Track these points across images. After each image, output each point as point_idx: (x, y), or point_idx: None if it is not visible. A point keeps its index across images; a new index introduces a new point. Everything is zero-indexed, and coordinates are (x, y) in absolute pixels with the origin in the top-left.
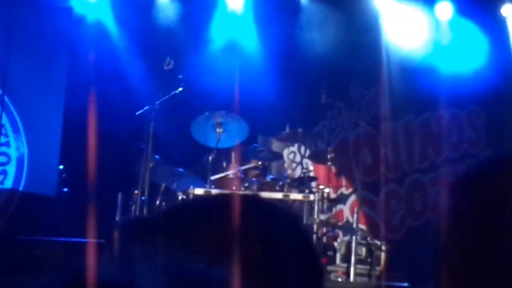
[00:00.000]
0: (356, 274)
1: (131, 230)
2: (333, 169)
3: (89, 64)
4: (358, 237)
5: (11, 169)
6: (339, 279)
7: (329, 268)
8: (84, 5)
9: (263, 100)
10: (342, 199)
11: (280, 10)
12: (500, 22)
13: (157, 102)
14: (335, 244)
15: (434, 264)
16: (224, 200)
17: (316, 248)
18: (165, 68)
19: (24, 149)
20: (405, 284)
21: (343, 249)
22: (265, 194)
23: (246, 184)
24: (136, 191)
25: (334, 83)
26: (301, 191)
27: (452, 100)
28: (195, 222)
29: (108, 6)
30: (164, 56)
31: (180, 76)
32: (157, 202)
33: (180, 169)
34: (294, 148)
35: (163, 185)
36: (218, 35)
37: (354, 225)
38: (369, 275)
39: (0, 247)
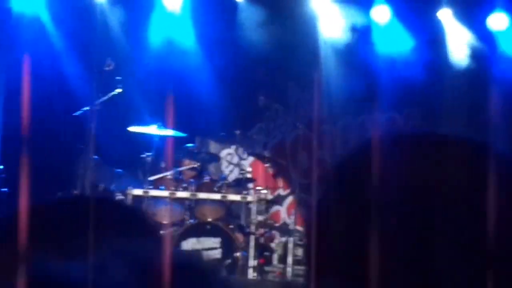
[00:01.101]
0: (293, 275)
1: None
2: (271, 170)
3: (28, 64)
4: (295, 238)
5: None
6: (276, 280)
7: (266, 268)
8: (22, 4)
9: (201, 101)
10: (279, 200)
11: (218, 12)
12: (436, 26)
13: (96, 103)
14: (272, 245)
15: None
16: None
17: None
18: (106, 69)
19: None
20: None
21: (280, 250)
22: (203, 195)
23: (184, 185)
24: (75, 192)
25: (272, 86)
26: (238, 192)
27: (389, 102)
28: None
29: (45, 6)
30: (105, 57)
31: (118, 78)
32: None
33: (119, 170)
34: (231, 149)
35: (102, 186)
36: (156, 36)
37: (291, 226)
38: (306, 276)
39: None
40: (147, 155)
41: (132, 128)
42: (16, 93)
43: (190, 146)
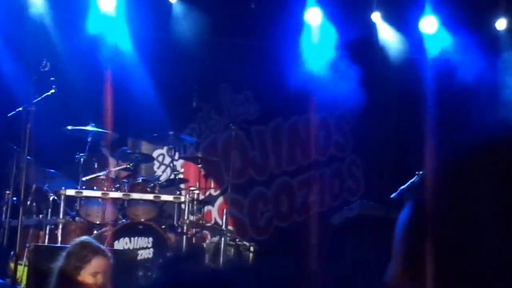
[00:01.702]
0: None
1: None
2: (203, 171)
3: None
4: (227, 238)
5: None
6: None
7: None
8: None
9: (134, 102)
10: (210, 200)
11: (152, 12)
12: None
13: (30, 104)
14: (204, 245)
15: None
16: None
17: None
18: (42, 70)
19: None
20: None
21: (212, 250)
22: (136, 195)
23: (117, 185)
24: (7, 192)
25: (205, 87)
26: (171, 193)
27: (321, 104)
28: None
29: None
30: (40, 57)
31: (52, 78)
32: (28, 203)
33: (52, 170)
34: (163, 150)
35: (34, 186)
36: (91, 36)
37: (223, 226)
38: None
39: None
40: (81, 156)
41: (66, 129)
42: None
43: (124, 149)
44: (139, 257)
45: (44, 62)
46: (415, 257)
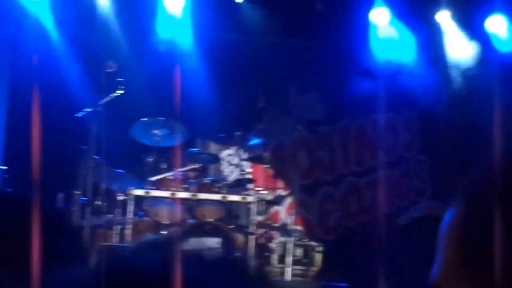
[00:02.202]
0: (292, 275)
1: None
2: (270, 171)
3: (32, 65)
4: (295, 239)
5: None
6: (276, 279)
7: (266, 268)
8: (26, 4)
9: (201, 103)
10: (278, 201)
11: (219, 14)
12: (434, 28)
13: (99, 104)
14: (272, 245)
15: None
16: None
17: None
18: (108, 70)
19: None
20: (342, 284)
21: (279, 250)
22: (204, 196)
23: (185, 186)
24: (76, 192)
25: (271, 87)
26: (238, 193)
27: (388, 104)
28: None
29: (48, 6)
30: (106, 58)
31: (120, 79)
32: (98, 203)
33: (120, 170)
34: (232, 150)
35: (103, 186)
36: (158, 38)
37: (290, 227)
38: (305, 276)
39: None
40: (149, 156)
41: (134, 129)
42: (19, 94)
43: (193, 150)
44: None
45: (110, 62)
46: (471, 258)
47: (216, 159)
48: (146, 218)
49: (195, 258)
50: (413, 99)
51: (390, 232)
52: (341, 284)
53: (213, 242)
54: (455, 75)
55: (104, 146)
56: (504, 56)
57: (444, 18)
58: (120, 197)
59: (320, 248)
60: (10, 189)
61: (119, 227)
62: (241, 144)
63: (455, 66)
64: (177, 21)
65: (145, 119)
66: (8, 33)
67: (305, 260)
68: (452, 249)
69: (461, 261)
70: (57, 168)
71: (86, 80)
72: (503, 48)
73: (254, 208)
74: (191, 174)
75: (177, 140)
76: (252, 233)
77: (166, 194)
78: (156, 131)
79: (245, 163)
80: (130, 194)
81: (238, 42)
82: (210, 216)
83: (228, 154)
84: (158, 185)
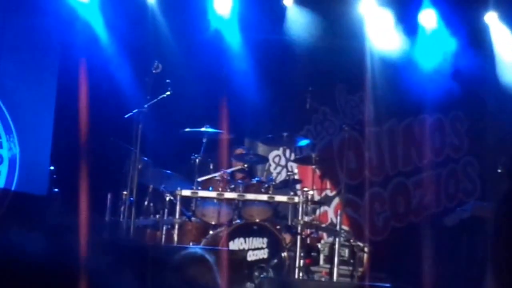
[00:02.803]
0: (339, 275)
1: None
2: (318, 172)
3: (80, 66)
4: (342, 239)
5: (4, 169)
6: (323, 279)
7: (313, 268)
8: (75, 7)
9: (249, 104)
10: (326, 201)
11: (267, 15)
12: (482, 30)
13: (146, 105)
14: (319, 245)
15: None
16: None
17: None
18: (154, 71)
19: (16, 150)
20: (388, 285)
21: (326, 250)
22: (251, 196)
23: (232, 186)
24: (124, 192)
25: (319, 88)
26: (286, 193)
27: (435, 105)
28: None
29: (98, 9)
30: (153, 59)
31: (167, 80)
32: (145, 203)
33: (168, 171)
34: (279, 151)
35: (151, 186)
36: (206, 38)
37: (338, 227)
38: (351, 276)
39: None
40: (196, 157)
41: (183, 131)
42: (68, 97)
43: (239, 148)
44: (254, 258)
45: (156, 63)
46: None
47: (263, 159)
48: (193, 219)
49: None
50: (460, 99)
51: (437, 233)
52: (386, 285)
53: (260, 242)
54: (503, 75)
55: (152, 146)
56: None
57: (492, 19)
58: (168, 197)
59: (367, 249)
60: (57, 190)
61: (166, 227)
62: (289, 144)
63: (503, 67)
64: (226, 21)
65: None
66: (58, 35)
67: (352, 260)
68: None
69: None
70: (106, 169)
71: (134, 82)
72: None
73: (301, 208)
74: (238, 174)
75: (225, 141)
76: (299, 233)
77: (213, 194)
78: (203, 132)
79: (292, 163)
80: (177, 194)
81: (286, 43)
82: (257, 216)
83: (276, 155)
84: (205, 185)
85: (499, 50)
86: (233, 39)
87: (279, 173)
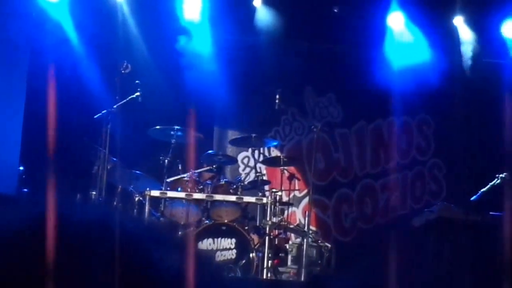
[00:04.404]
0: (306, 275)
1: None
2: (286, 173)
3: (49, 67)
4: (309, 240)
5: None
6: (291, 279)
7: (281, 269)
8: (45, 8)
9: (218, 105)
10: (294, 202)
11: (236, 16)
12: (449, 32)
13: (115, 106)
14: (287, 246)
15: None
16: None
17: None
18: (122, 72)
19: None
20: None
21: (294, 251)
22: (219, 197)
23: (201, 187)
24: (93, 192)
25: (288, 90)
26: (254, 194)
27: (403, 108)
28: None
29: (67, 9)
30: (122, 60)
31: (137, 81)
32: (114, 203)
33: (137, 172)
34: (248, 152)
35: (120, 187)
36: (174, 40)
37: (306, 228)
38: (319, 276)
39: None
40: (165, 157)
41: (152, 130)
42: (37, 97)
43: (209, 153)
44: (222, 258)
45: (125, 64)
46: None
47: (232, 160)
48: (162, 219)
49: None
50: (427, 102)
51: (404, 234)
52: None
53: (229, 242)
54: (471, 78)
55: (121, 147)
56: None
57: (459, 22)
58: (137, 198)
59: (334, 249)
60: (26, 190)
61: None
62: (257, 145)
63: (470, 69)
64: (195, 22)
65: (159, 127)
66: (28, 36)
67: (319, 261)
68: None
69: None
70: (74, 169)
71: (103, 82)
72: None
73: (269, 209)
74: (207, 175)
75: (193, 142)
76: (267, 234)
77: (182, 195)
78: (173, 132)
79: (261, 164)
80: (146, 194)
81: (256, 44)
82: (226, 217)
83: (245, 156)
84: (174, 186)
85: (467, 53)
86: (203, 40)
87: (247, 174)
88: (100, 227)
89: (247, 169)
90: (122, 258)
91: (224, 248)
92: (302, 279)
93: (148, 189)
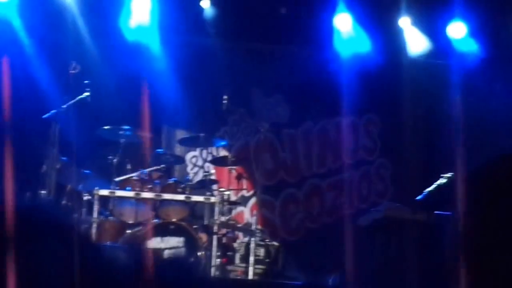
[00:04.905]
0: (254, 274)
1: None
2: (234, 172)
3: (2, 67)
4: (257, 238)
5: None
6: (238, 278)
7: (229, 267)
8: None
9: (167, 105)
10: (242, 201)
11: (185, 17)
12: (395, 32)
13: (64, 106)
14: (235, 244)
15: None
16: None
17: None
18: (71, 72)
19: None
20: (300, 283)
21: (242, 250)
22: (168, 196)
23: (150, 186)
24: (43, 191)
25: (236, 90)
26: (202, 194)
27: (349, 108)
28: None
29: (16, 8)
30: (71, 60)
31: (86, 81)
32: (63, 202)
33: (86, 171)
34: (196, 152)
35: (69, 186)
36: (124, 41)
37: (253, 227)
38: (266, 275)
39: None
40: (114, 157)
41: (100, 130)
42: None
43: (158, 152)
44: (170, 256)
45: (74, 64)
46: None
47: (180, 160)
48: (111, 218)
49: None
50: (373, 102)
51: (351, 233)
52: (298, 283)
53: (177, 241)
54: (417, 78)
55: (70, 146)
56: (464, 59)
57: (405, 23)
58: (86, 197)
59: (281, 248)
60: None
61: (84, 226)
62: (206, 145)
63: (416, 70)
64: (144, 22)
65: (108, 127)
66: None
67: (267, 259)
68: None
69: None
70: (24, 168)
71: (53, 82)
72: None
73: (217, 208)
74: (156, 174)
75: (141, 141)
76: (215, 233)
77: (131, 194)
78: (122, 132)
79: (209, 164)
80: (95, 194)
81: (204, 45)
82: (174, 216)
83: (193, 156)
84: (123, 185)
85: (412, 53)
86: (152, 40)
87: (196, 174)
88: (55, 225)
89: (195, 169)
90: (73, 257)
91: (172, 246)
92: (250, 277)
93: (97, 188)
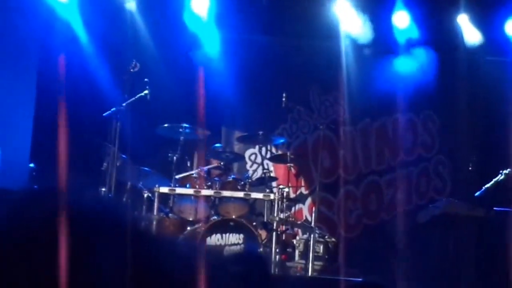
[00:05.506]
0: (313, 270)
1: None
2: (293, 170)
3: (59, 66)
4: (316, 235)
5: None
6: (298, 274)
7: (288, 264)
8: (54, 7)
9: (226, 103)
10: (301, 199)
11: (244, 15)
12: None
13: (124, 104)
14: (294, 241)
15: None
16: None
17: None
18: (131, 70)
19: None
20: (359, 279)
21: (301, 246)
22: (227, 193)
23: (209, 183)
24: (103, 189)
25: (295, 88)
26: (261, 191)
27: (408, 105)
28: None
29: (77, 8)
30: (131, 58)
31: (145, 79)
32: (123, 200)
33: (146, 168)
34: (255, 149)
35: (129, 184)
36: (183, 38)
37: (312, 224)
38: (325, 271)
39: None
40: (174, 154)
41: (160, 128)
42: (47, 95)
43: (216, 146)
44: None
45: (134, 62)
46: None
47: (239, 157)
48: (171, 215)
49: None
50: (432, 99)
51: (409, 229)
52: (358, 280)
53: (237, 238)
54: (475, 76)
55: (130, 144)
56: None
57: (463, 20)
58: (146, 194)
59: (340, 245)
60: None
61: (144, 223)
62: (264, 143)
63: (474, 67)
64: (203, 21)
65: (170, 125)
66: (38, 35)
67: (326, 256)
68: None
69: None
70: (84, 166)
71: (112, 81)
72: None
73: (276, 205)
74: (215, 172)
75: (200, 139)
76: (275, 230)
77: (191, 191)
78: (182, 130)
79: (268, 161)
80: (155, 191)
81: (263, 43)
82: (234, 213)
83: (252, 153)
84: (182, 182)
85: (470, 50)
86: (211, 38)
87: (255, 171)
88: (111, 221)
89: (254, 166)
90: (134, 253)
91: (232, 243)
92: (310, 273)
93: (157, 185)
